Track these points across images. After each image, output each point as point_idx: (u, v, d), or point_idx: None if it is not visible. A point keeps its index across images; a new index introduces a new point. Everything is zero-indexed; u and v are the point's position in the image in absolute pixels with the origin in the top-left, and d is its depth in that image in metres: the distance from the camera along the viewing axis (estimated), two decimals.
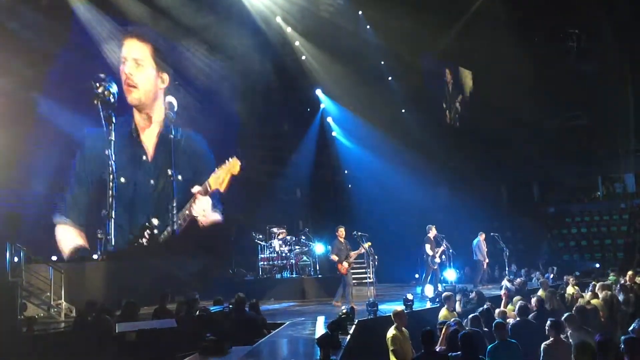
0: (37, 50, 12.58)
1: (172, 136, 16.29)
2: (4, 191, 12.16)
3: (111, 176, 14.25)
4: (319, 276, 15.28)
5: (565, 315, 7.76)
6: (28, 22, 12.35)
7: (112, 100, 14.59)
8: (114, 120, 14.42)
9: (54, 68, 13.43)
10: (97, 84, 14.38)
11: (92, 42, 14.55)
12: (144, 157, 15.96)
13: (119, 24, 15.36)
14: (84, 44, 14.35)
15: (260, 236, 15.89)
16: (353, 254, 12.53)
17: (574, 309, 8.40)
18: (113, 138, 14.34)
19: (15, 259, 10.95)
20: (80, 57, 14.17)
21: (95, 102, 14.31)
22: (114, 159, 14.30)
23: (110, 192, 14.24)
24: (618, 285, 11.23)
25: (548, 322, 7.14)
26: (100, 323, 8.44)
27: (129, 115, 15.78)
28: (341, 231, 12.67)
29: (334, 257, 12.55)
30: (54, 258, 12.53)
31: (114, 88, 14.71)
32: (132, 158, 15.60)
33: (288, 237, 15.60)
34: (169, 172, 16.14)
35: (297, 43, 18.95)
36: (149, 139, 16.21)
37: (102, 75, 14.51)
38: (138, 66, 15.99)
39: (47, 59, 13.21)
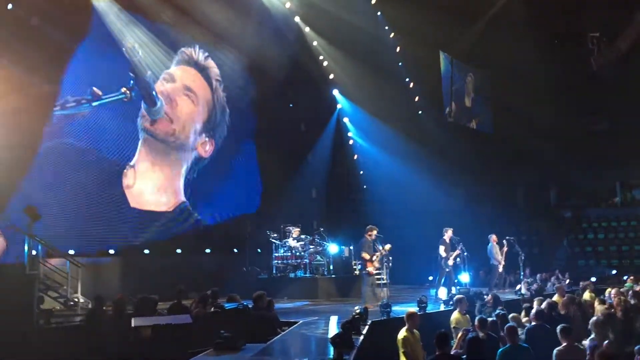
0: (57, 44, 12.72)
1: None
2: (23, 184, 12.34)
3: None
4: (333, 276, 15.26)
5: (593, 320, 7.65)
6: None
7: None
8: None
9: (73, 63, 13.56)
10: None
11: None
12: None
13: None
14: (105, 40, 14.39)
15: (275, 235, 15.90)
16: (377, 254, 12.56)
17: (600, 315, 8.28)
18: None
19: (34, 252, 11.10)
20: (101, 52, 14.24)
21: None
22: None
23: None
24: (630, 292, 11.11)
25: (559, 328, 7.04)
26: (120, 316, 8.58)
27: None
28: (373, 232, 12.74)
29: (366, 255, 12.57)
30: (72, 252, 12.67)
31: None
32: None
33: (302, 236, 15.62)
34: None
35: (315, 43, 18.94)
36: None
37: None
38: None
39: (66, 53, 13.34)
